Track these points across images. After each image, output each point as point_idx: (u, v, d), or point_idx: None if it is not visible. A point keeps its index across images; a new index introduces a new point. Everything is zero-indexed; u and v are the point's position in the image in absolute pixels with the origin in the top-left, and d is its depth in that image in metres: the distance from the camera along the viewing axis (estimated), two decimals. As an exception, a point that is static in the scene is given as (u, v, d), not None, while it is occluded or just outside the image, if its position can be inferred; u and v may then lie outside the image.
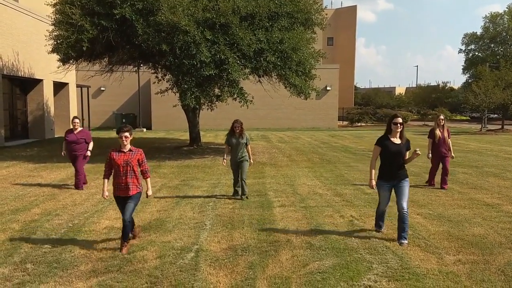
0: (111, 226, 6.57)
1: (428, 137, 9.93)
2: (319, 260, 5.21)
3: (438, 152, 9.68)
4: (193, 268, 4.98)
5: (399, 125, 5.78)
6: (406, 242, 5.71)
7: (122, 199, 5.58)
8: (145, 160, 5.72)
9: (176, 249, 5.61)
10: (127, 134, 5.52)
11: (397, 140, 5.83)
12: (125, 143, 5.52)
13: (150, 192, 5.77)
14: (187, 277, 4.74)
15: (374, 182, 5.98)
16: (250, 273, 4.84)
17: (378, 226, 6.34)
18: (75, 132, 9.57)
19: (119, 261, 5.19)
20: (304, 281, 4.60)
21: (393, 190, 5.94)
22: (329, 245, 5.76)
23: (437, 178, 9.91)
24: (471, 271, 4.85)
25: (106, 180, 5.68)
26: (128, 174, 5.53)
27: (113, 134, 26.32)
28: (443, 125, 9.76)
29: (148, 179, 5.80)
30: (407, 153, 5.88)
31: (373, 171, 6.05)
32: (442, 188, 9.54)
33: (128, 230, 5.56)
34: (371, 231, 6.38)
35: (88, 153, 9.69)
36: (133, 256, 5.36)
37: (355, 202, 8.31)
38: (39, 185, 10.00)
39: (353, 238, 6.06)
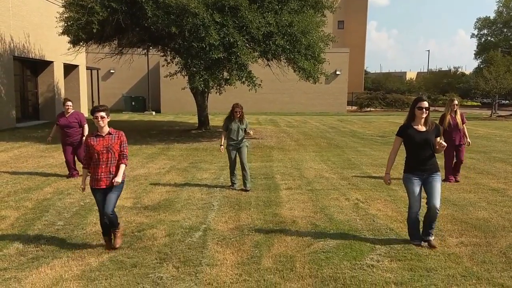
0: (121, 206, 6.72)
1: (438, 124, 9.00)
2: (323, 240, 5.32)
3: (451, 141, 8.53)
4: (201, 246, 5.13)
5: (424, 110, 4.95)
6: (433, 238, 5.17)
7: (103, 191, 4.87)
8: (126, 144, 4.99)
9: (185, 228, 5.76)
10: (102, 113, 4.80)
11: (422, 128, 5.03)
12: (102, 124, 4.81)
13: (118, 179, 4.81)
14: (195, 254, 4.89)
15: (389, 177, 5.20)
16: (256, 251, 4.98)
17: (416, 237, 5.22)
18: (67, 115, 8.75)
19: (130, 238, 5.37)
20: (308, 260, 4.72)
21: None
22: (334, 226, 5.88)
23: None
24: (473, 253, 4.94)
25: (86, 171, 4.99)
26: (109, 162, 4.84)
27: (123, 117, 26.55)
28: (455, 110, 8.77)
29: (123, 165, 4.92)
30: (437, 140, 5.07)
31: (391, 164, 5.21)
32: (453, 178, 8.73)
33: (115, 222, 4.95)
34: (376, 213, 6.48)
35: (83, 139, 8.58)
36: (143, 234, 5.53)
37: (361, 185, 8.40)
38: (51, 165, 10.20)
39: (357, 220, 6.17)
